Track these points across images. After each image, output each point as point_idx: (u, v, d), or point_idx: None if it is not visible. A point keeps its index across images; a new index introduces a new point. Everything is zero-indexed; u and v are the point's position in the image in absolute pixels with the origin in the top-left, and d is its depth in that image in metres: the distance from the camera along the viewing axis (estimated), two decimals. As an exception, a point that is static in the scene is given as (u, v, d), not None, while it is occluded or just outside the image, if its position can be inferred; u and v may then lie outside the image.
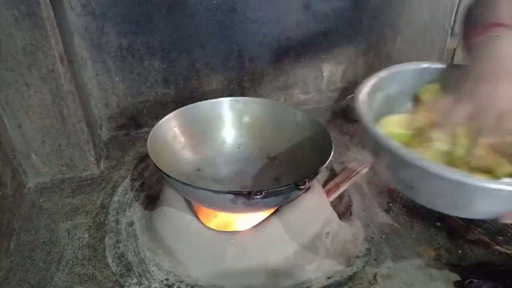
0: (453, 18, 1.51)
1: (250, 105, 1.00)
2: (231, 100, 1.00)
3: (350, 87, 1.49)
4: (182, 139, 0.94)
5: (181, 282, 0.76)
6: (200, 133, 0.97)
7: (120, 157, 1.16)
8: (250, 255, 0.76)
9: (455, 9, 1.49)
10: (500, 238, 0.73)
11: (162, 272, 0.78)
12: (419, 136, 0.59)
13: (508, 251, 0.73)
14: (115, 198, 0.99)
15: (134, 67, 1.19)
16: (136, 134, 1.28)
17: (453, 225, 0.82)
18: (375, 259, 0.83)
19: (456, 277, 0.79)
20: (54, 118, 0.96)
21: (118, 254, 0.83)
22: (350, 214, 0.95)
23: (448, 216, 0.81)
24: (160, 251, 0.82)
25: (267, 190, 0.67)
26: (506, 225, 0.70)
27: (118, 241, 0.86)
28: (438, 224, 0.89)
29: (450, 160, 0.55)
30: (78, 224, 0.91)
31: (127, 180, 1.06)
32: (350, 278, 0.78)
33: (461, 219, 0.77)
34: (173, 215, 0.81)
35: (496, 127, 0.48)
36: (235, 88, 1.34)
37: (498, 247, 0.74)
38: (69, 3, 1.04)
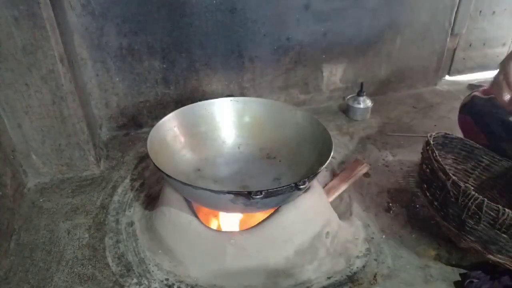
0: (453, 18, 1.51)
1: (250, 105, 1.00)
2: (231, 100, 0.99)
3: (350, 87, 1.50)
4: (182, 139, 0.94)
5: (181, 282, 0.76)
6: (200, 133, 0.97)
7: (120, 157, 1.17)
8: (250, 255, 0.76)
9: (455, 9, 1.49)
10: (493, 247, 0.72)
11: (162, 272, 0.78)
12: None
13: (501, 261, 0.73)
14: (115, 198, 0.99)
15: (134, 67, 1.19)
16: (136, 134, 1.29)
17: (446, 233, 0.82)
18: (375, 259, 0.83)
19: (456, 277, 0.79)
20: (54, 118, 0.96)
21: (118, 254, 0.83)
22: (350, 214, 0.95)
23: (442, 224, 0.82)
24: (160, 251, 0.82)
25: (267, 190, 0.67)
26: (499, 234, 0.70)
27: (118, 241, 0.86)
28: (433, 231, 0.89)
29: None
30: (78, 224, 0.91)
31: (127, 180, 1.06)
32: (350, 278, 0.78)
33: (454, 227, 0.77)
34: (173, 215, 0.81)
35: None
36: (235, 88, 1.34)
37: (490, 256, 0.73)
38: (69, 3, 1.04)
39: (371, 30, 1.40)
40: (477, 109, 0.96)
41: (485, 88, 0.99)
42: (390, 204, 0.98)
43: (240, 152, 0.99)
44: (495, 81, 0.95)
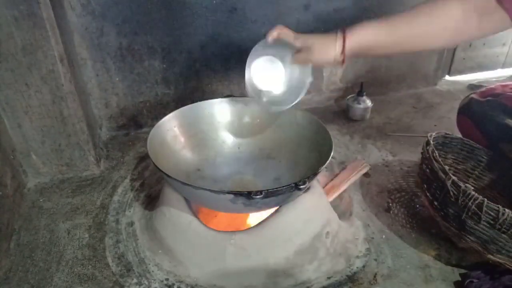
0: (453, 18, 1.51)
1: (250, 105, 0.99)
2: (231, 100, 0.99)
3: (350, 87, 1.50)
4: (182, 139, 0.94)
5: (181, 282, 0.76)
6: (200, 133, 0.97)
7: (120, 157, 1.17)
8: (250, 255, 0.76)
9: (455, 9, 1.49)
10: (493, 247, 0.72)
11: (162, 272, 0.78)
12: None
13: (500, 261, 0.73)
14: (115, 198, 0.99)
15: (134, 67, 1.19)
16: (136, 134, 1.29)
17: (446, 233, 0.82)
18: (375, 259, 0.83)
19: (456, 277, 0.79)
20: (54, 118, 0.96)
21: (118, 254, 0.83)
22: (350, 214, 0.95)
23: (442, 224, 0.82)
24: (160, 251, 0.82)
25: (267, 190, 0.67)
26: (499, 234, 0.70)
27: (118, 241, 0.86)
28: (433, 231, 0.89)
29: None
30: (78, 224, 0.91)
31: (127, 180, 1.06)
32: (350, 278, 0.78)
33: (454, 227, 0.77)
34: (173, 215, 0.81)
35: None
36: (235, 88, 1.34)
37: (490, 256, 0.73)
38: (69, 3, 1.04)
39: (371, 30, 1.40)
40: (475, 111, 0.96)
41: (483, 90, 0.99)
42: (390, 204, 0.98)
43: (240, 152, 0.99)
44: None
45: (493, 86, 1.00)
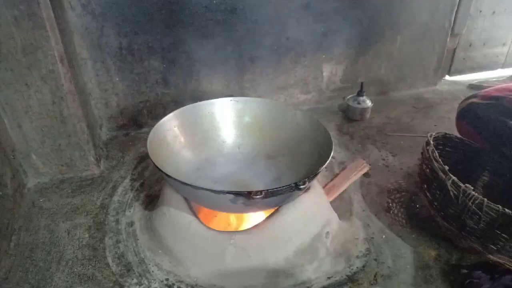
0: (453, 18, 1.51)
1: (250, 105, 0.99)
2: (231, 100, 0.99)
3: (350, 87, 1.50)
4: (182, 139, 0.94)
5: (181, 282, 0.76)
6: (200, 133, 0.97)
7: (120, 157, 1.17)
8: (250, 255, 0.76)
9: (455, 9, 1.49)
10: (493, 247, 0.72)
11: (162, 272, 0.78)
12: None
13: (500, 261, 0.73)
14: (115, 198, 0.99)
15: (134, 67, 1.19)
16: (136, 134, 1.29)
17: (446, 233, 0.82)
18: (375, 259, 0.83)
19: (456, 277, 0.79)
20: (54, 118, 0.96)
21: (118, 254, 0.83)
22: (350, 214, 0.95)
23: (442, 224, 0.82)
24: (160, 251, 0.82)
25: (267, 190, 0.67)
26: (499, 234, 0.69)
27: (118, 241, 0.86)
28: (433, 231, 0.89)
29: None
30: (78, 224, 0.91)
31: (127, 180, 1.06)
32: (350, 278, 0.78)
33: (454, 227, 0.77)
34: (173, 215, 0.81)
35: None
36: (235, 88, 1.34)
37: (490, 256, 0.74)
38: (69, 3, 1.04)
39: (371, 30, 1.40)
40: (476, 115, 0.95)
41: (482, 94, 0.98)
42: (390, 204, 0.98)
43: (240, 152, 0.99)
44: None
45: (491, 89, 0.98)
